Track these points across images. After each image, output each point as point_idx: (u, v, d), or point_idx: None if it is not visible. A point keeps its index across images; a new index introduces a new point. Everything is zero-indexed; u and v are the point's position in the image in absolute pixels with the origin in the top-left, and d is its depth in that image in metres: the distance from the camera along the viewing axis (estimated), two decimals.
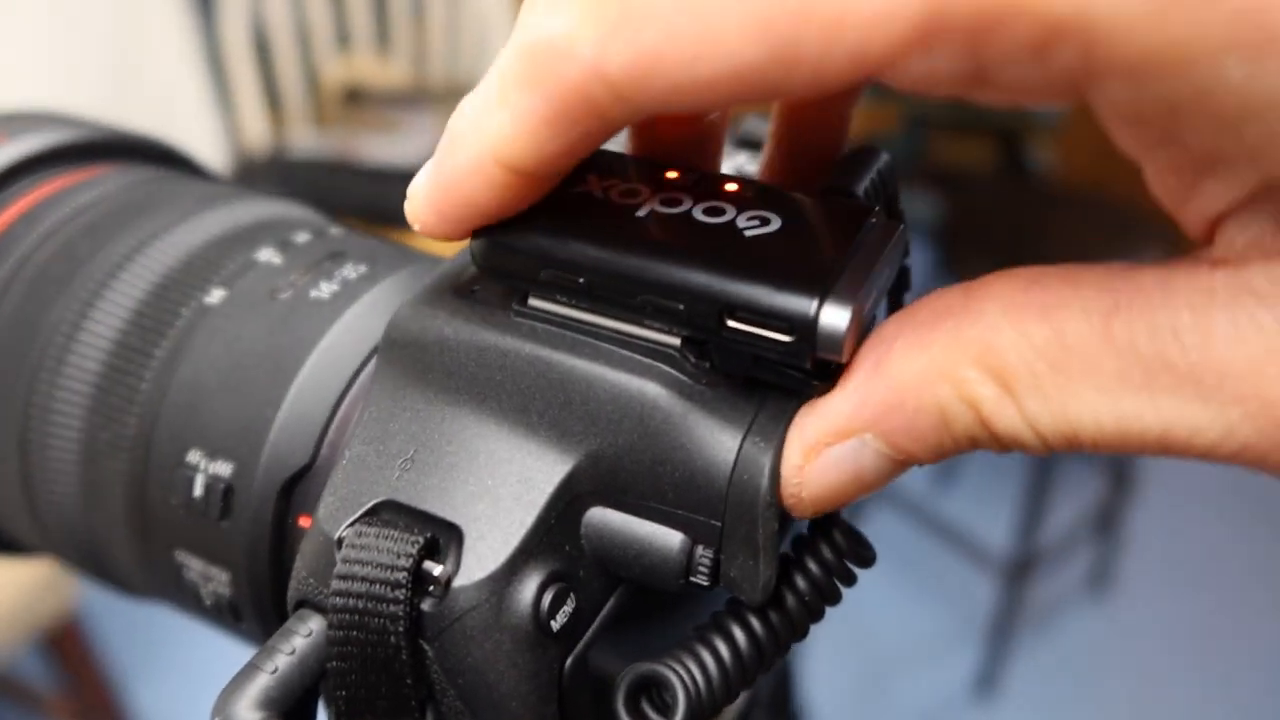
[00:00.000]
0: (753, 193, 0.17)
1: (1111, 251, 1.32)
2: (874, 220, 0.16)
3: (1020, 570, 1.34)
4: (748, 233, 0.16)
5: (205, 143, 1.36)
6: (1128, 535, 1.51)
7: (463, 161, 0.15)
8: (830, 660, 1.34)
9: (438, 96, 1.45)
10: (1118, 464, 1.43)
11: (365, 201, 1.28)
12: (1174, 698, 1.37)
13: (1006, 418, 0.14)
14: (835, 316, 0.15)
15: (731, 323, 0.15)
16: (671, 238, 0.16)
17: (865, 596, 1.45)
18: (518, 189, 0.15)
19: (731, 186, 0.17)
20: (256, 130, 1.40)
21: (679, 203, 0.17)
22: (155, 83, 1.32)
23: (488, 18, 1.35)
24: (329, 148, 1.38)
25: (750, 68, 0.12)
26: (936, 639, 1.44)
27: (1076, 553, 1.48)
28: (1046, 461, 1.27)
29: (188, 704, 1.18)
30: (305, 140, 1.41)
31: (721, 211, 0.16)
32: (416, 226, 0.17)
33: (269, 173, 1.32)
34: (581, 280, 0.16)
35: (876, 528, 1.53)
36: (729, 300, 0.15)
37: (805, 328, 0.15)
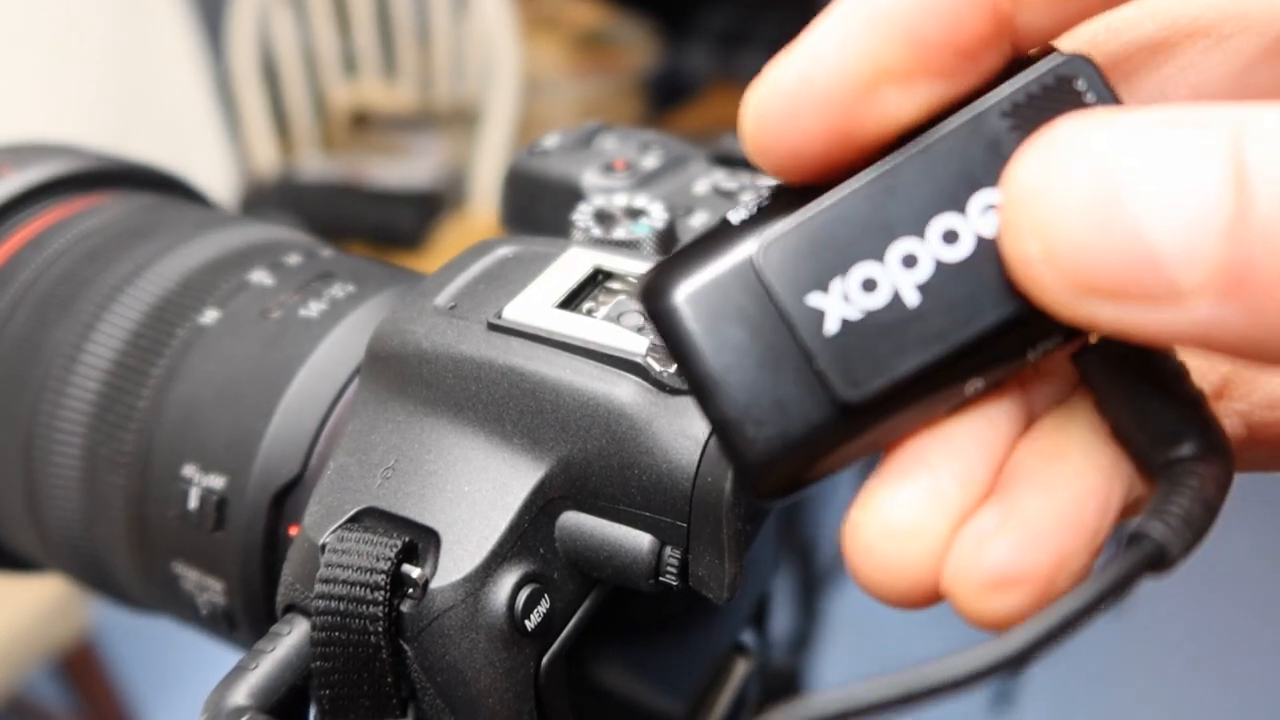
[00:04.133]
0: None
1: None
2: None
3: None
4: None
5: (215, 168, 1.38)
6: None
7: None
8: (844, 670, 1.33)
9: (443, 120, 1.47)
10: None
11: (373, 224, 1.29)
12: (1192, 712, 1.35)
13: None
14: None
15: None
16: None
17: (878, 609, 1.45)
18: None
19: None
20: (265, 155, 1.42)
21: None
22: (165, 110, 1.34)
23: (493, 42, 1.36)
24: (337, 171, 1.40)
25: None
26: (951, 652, 1.43)
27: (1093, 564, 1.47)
28: None
29: None
30: (313, 164, 1.43)
31: None
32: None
33: (278, 197, 1.33)
34: None
35: None
36: None
37: None
